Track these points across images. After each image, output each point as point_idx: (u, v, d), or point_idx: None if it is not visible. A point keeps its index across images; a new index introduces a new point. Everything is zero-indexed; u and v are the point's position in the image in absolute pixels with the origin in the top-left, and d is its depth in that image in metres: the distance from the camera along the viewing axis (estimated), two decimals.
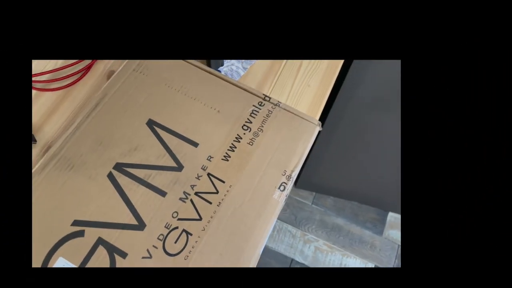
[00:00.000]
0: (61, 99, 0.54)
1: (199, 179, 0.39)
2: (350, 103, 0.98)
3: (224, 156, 0.40)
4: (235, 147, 0.41)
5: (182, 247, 0.36)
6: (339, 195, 1.33)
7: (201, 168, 0.39)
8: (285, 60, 0.63)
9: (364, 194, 1.30)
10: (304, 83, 0.61)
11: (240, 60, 0.61)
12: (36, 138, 0.51)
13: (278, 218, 1.29)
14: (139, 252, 0.35)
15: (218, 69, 0.59)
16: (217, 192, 0.38)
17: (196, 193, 0.38)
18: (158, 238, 0.36)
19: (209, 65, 0.56)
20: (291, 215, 1.30)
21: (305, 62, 0.63)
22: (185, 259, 0.35)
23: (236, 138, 0.41)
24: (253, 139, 0.41)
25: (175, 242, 0.36)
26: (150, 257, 0.35)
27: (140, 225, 0.36)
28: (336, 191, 1.32)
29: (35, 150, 0.50)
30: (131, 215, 0.37)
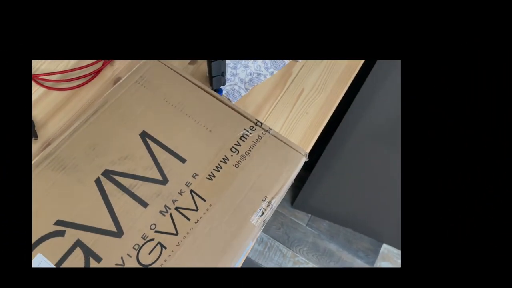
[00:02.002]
0: (68, 99, 0.56)
1: (181, 195, 0.40)
2: (353, 133, 0.99)
3: (209, 175, 0.42)
4: (221, 168, 0.42)
5: (155, 259, 0.37)
6: (334, 220, 1.33)
7: (185, 184, 0.41)
8: (287, 85, 0.65)
9: (360, 223, 1.29)
10: (302, 110, 0.63)
11: (243, 80, 0.63)
12: (39, 134, 0.53)
13: (271, 236, 1.30)
14: (113, 259, 0.37)
15: (221, 87, 0.60)
16: (196, 210, 0.40)
17: (176, 208, 0.39)
18: (133, 247, 0.37)
19: (211, 81, 0.58)
20: (284, 234, 1.30)
21: (307, 89, 0.64)
22: None
23: (223, 159, 0.43)
24: (239, 162, 0.43)
25: (149, 253, 0.37)
26: (123, 264, 0.36)
27: (118, 233, 0.38)
28: (332, 216, 1.31)
29: (36, 146, 0.52)
30: (111, 221, 0.38)
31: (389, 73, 0.78)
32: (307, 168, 1.20)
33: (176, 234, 0.38)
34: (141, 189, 0.40)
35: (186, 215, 0.39)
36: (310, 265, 1.25)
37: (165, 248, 0.37)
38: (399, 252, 1.30)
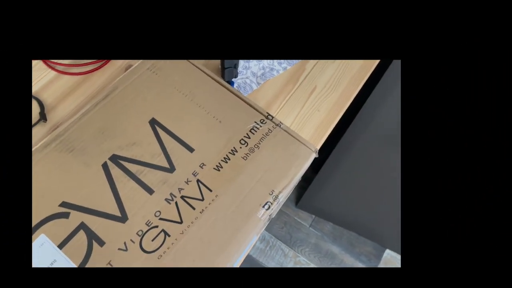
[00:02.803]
0: (78, 84, 0.56)
1: (187, 184, 0.40)
2: (363, 135, 0.98)
3: (217, 166, 0.41)
4: (229, 159, 0.42)
5: (158, 246, 0.36)
6: (338, 222, 1.32)
7: (192, 174, 0.40)
8: (300, 81, 0.64)
9: (364, 226, 1.28)
10: (314, 108, 0.62)
11: (256, 74, 0.63)
12: (48, 117, 0.53)
13: (273, 234, 1.29)
14: (116, 243, 0.36)
15: (232, 80, 0.60)
16: (202, 200, 0.39)
17: (182, 197, 0.39)
18: (137, 233, 0.37)
19: (223, 73, 0.57)
20: (286, 233, 1.30)
21: (319, 86, 0.64)
22: (158, 258, 0.36)
23: (231, 150, 0.42)
24: (248, 154, 0.42)
25: (152, 240, 0.37)
26: (126, 250, 0.36)
27: (123, 218, 0.37)
28: (336, 218, 1.30)
29: (45, 129, 0.52)
30: (116, 206, 0.38)
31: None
32: (314, 168, 1.19)
33: (181, 222, 0.38)
34: (148, 175, 0.40)
35: (192, 204, 0.39)
36: (311, 266, 1.24)
37: (169, 235, 0.37)
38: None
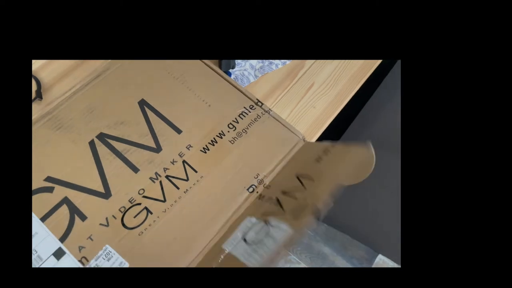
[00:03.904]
0: (77, 65, 0.56)
1: (173, 164, 0.40)
2: (362, 137, 0.98)
3: (203, 148, 0.41)
4: (216, 142, 0.42)
5: (140, 223, 0.36)
6: (332, 224, 1.32)
7: (178, 155, 0.41)
8: (298, 77, 0.64)
9: (358, 230, 1.28)
10: (310, 104, 0.62)
11: (254, 67, 0.63)
12: (44, 97, 0.53)
13: None
14: (98, 219, 0.36)
15: (229, 70, 0.60)
16: (187, 180, 0.39)
17: (167, 176, 0.39)
18: (119, 210, 0.37)
19: (220, 63, 0.57)
20: None
21: (317, 83, 0.64)
22: (139, 235, 0.36)
23: (219, 134, 0.42)
24: (235, 138, 0.42)
25: (134, 217, 0.37)
26: (107, 225, 0.36)
27: (106, 194, 0.37)
28: (331, 220, 1.30)
29: (39, 107, 0.52)
30: (100, 183, 0.38)
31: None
32: None
33: (164, 201, 0.38)
34: (134, 154, 0.40)
35: (176, 184, 0.39)
36: (302, 265, 1.24)
37: (151, 213, 0.37)
38: (394, 264, 1.28)
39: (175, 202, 0.38)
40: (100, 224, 0.36)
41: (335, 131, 0.99)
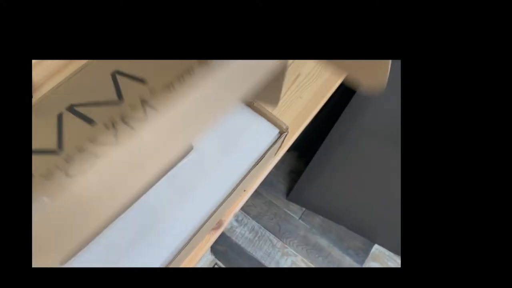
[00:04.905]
0: (69, 63, 0.57)
1: (133, 110, 0.39)
2: (353, 128, 0.98)
3: (168, 87, 0.40)
4: (185, 80, 0.41)
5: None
6: (328, 216, 1.33)
7: (140, 100, 0.40)
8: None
9: (353, 221, 1.29)
10: (296, 95, 0.62)
11: None
12: (34, 95, 0.53)
13: (262, 225, 1.30)
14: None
15: None
16: (146, 120, 0.39)
17: (123, 121, 0.38)
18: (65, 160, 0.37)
19: None
20: (276, 225, 1.30)
21: (303, 73, 0.64)
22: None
23: (189, 71, 0.41)
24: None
25: (79, 164, 0.37)
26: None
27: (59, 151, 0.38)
28: (326, 211, 1.31)
29: None
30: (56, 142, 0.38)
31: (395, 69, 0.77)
32: (305, 161, 1.19)
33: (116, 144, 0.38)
34: (94, 111, 0.40)
35: (132, 125, 0.38)
36: (299, 257, 1.25)
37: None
38: (390, 253, 1.29)
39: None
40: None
41: (328, 123, 1.00)
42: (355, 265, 1.26)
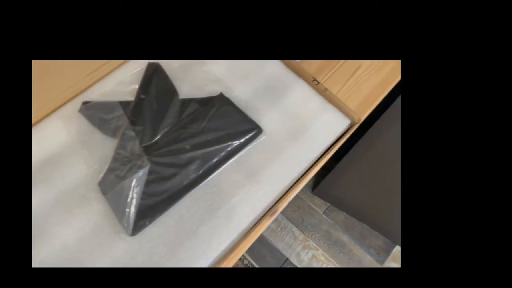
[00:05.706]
0: None
1: None
2: (392, 130, 0.96)
3: None
4: None
5: None
6: (352, 213, 1.32)
7: None
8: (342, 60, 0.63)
9: (377, 220, 1.27)
10: (356, 87, 0.61)
11: None
12: None
13: (286, 217, 1.30)
14: None
15: None
16: None
17: None
18: None
19: None
20: (299, 217, 1.30)
21: (364, 66, 0.62)
22: None
23: None
24: None
25: None
26: None
27: None
28: (351, 209, 1.30)
29: None
30: None
31: None
32: (335, 157, 1.18)
33: None
34: None
35: None
36: (320, 251, 1.24)
37: None
38: None
39: None
40: None
41: (366, 123, 0.98)
42: (376, 264, 1.25)
